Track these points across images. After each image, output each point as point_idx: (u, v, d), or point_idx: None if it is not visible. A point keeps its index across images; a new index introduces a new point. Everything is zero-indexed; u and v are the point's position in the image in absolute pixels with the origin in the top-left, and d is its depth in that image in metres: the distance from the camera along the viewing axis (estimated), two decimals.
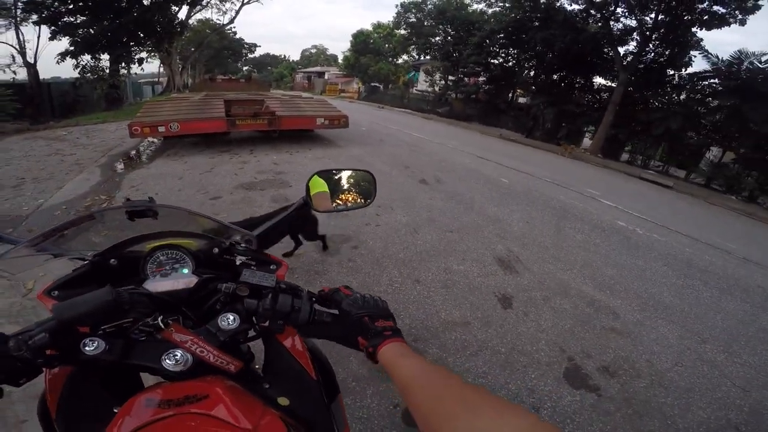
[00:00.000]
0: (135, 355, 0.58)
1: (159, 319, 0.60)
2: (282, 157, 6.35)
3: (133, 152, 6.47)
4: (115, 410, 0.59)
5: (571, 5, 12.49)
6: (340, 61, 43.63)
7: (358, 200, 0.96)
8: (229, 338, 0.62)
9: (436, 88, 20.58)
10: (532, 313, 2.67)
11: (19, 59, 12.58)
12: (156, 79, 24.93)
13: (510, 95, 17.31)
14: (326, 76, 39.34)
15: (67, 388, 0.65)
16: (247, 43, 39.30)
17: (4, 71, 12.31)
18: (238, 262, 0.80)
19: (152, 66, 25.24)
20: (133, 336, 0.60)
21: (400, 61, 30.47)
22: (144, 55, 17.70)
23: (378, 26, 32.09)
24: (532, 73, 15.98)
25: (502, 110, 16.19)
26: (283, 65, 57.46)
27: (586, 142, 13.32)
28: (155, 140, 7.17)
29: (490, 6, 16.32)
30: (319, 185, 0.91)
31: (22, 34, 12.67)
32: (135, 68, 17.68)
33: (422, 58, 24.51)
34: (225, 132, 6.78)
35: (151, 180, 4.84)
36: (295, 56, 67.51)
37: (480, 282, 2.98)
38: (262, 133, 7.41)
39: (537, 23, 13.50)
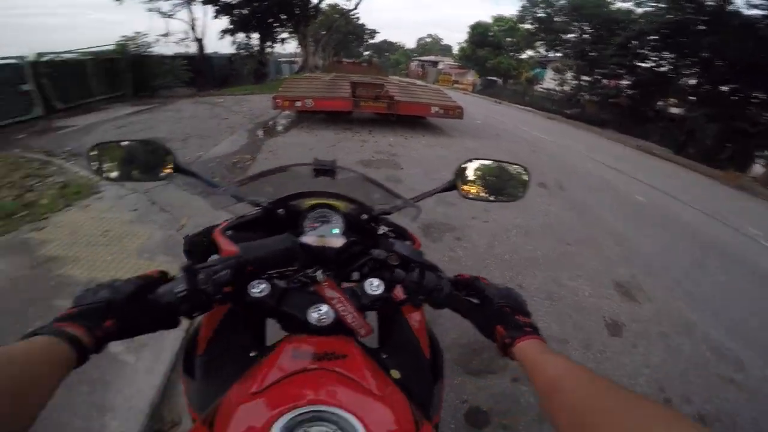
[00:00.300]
0: (286, 303, 0.61)
1: (319, 272, 0.62)
2: (397, 140, 6.57)
3: (272, 122, 7.37)
4: (251, 354, 0.64)
5: (749, 9, 10.07)
6: (454, 51, 42.91)
7: (506, 193, 0.93)
8: (369, 303, 0.62)
9: (566, 88, 18.72)
10: (642, 346, 2.38)
11: (191, 35, 14.93)
12: (292, 59, 27.73)
13: (659, 103, 14.84)
14: (440, 66, 38.92)
15: (222, 326, 0.71)
16: (368, 29, 41.10)
17: (179, 44, 14.67)
18: (380, 232, 0.83)
19: (290, 46, 28.04)
20: (291, 285, 0.62)
21: (523, 56, 28.48)
22: (285, 35, 19.75)
23: (499, 19, 30.43)
24: (691, 82, 13.39)
25: (649, 119, 13.96)
26: (400, 52, 58.83)
27: (757, 169, 10.70)
28: (290, 113, 8.03)
29: (639, 5, 14.07)
30: (464, 172, 0.90)
31: (192, 12, 14.87)
32: (277, 47, 19.99)
33: (550, 54, 22.52)
34: (349, 111, 7.32)
35: (286, 147, 5.48)
36: (410, 44, 68.47)
37: (590, 303, 2.71)
38: (380, 116, 7.75)
39: (703, 27, 11.20)
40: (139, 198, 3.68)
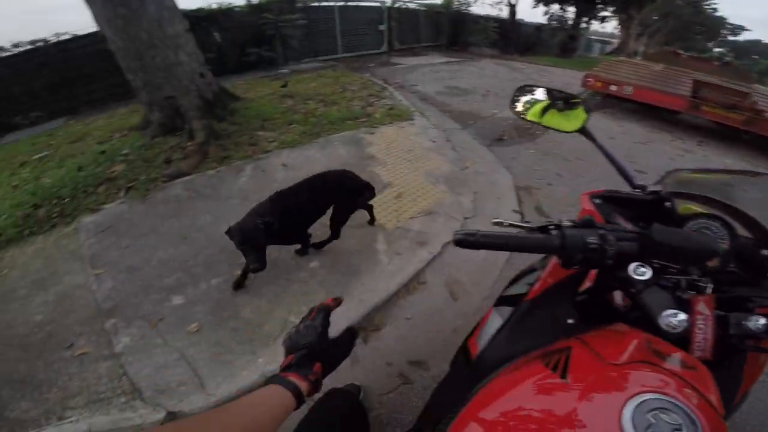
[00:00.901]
0: (645, 295, 0.58)
1: (710, 285, 0.62)
2: (739, 165, 4.67)
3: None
4: (569, 321, 0.68)
5: None
6: None
7: None
8: (735, 334, 0.56)
9: None
10: None
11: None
12: (605, 39, 24.42)
13: None
14: None
15: (561, 284, 0.74)
16: (729, 24, 31.25)
17: (494, 7, 15.09)
18: None
19: (608, 26, 24.59)
20: (660, 282, 0.59)
21: None
22: (607, 13, 17.51)
23: None
24: None
25: None
26: None
27: None
28: (587, 94, 7.01)
29: None
30: None
31: None
32: (594, 25, 17.84)
33: None
34: (676, 111, 5.77)
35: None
36: None
37: None
38: (721, 127, 5.69)
39: None
40: (439, 133, 4.11)
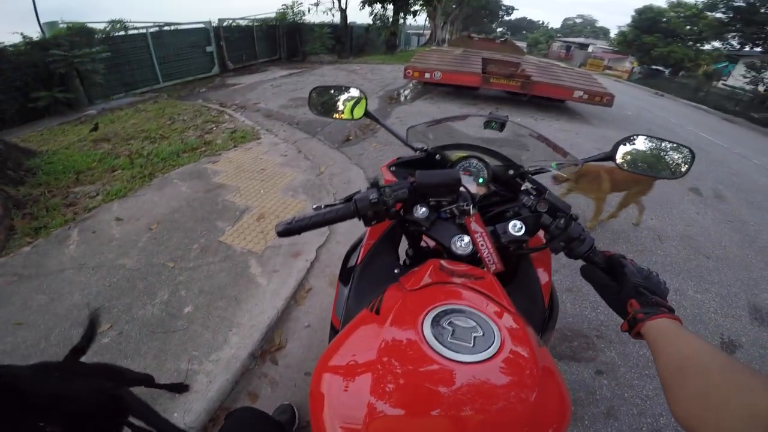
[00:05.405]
0: (435, 230, 0.71)
1: (472, 205, 0.70)
2: (526, 122, 6.07)
3: (399, 92, 7.53)
4: (395, 271, 0.80)
5: None
6: (612, 35, 38.87)
7: (663, 171, 0.92)
8: (507, 242, 0.68)
9: (761, 88, 15.00)
10: (755, 366, 1.99)
11: (336, 5, 15.81)
12: (421, 32, 27.71)
13: None
14: (590, 49, 34.37)
15: (379, 243, 0.86)
16: (504, 5, 39.18)
17: (326, 14, 15.87)
18: (522, 187, 0.88)
19: (419, 19, 27.86)
20: (441, 215, 0.72)
21: (707, 47, 23.91)
22: (417, 8, 19.65)
23: (677, 5, 25.56)
24: None
25: None
26: (540, 31, 53.76)
27: None
28: (414, 84, 8.07)
29: None
30: (624, 145, 0.92)
31: None
32: (409, 19, 20.11)
33: (746, 49, 18.84)
34: (475, 87, 7.04)
35: (411, 116, 5.56)
36: (554, 23, 62.19)
37: (711, 318, 2.36)
38: (509, 95, 7.28)
39: None
40: (289, 147, 4.22)
